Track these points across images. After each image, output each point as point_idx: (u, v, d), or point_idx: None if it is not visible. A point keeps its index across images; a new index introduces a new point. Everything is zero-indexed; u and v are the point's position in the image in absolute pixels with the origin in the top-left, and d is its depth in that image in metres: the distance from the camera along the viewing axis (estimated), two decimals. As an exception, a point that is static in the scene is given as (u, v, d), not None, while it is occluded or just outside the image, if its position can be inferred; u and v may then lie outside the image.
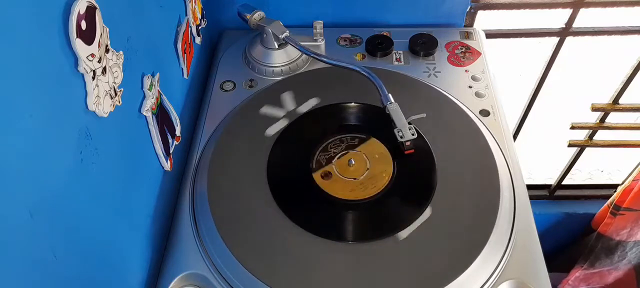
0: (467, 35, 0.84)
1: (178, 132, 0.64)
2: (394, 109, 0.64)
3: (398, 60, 0.81)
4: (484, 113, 0.72)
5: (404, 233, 0.56)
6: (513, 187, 0.63)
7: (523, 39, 0.94)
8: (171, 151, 0.63)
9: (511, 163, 0.66)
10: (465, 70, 0.78)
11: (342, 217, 0.60)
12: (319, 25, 0.78)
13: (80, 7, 0.38)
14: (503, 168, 0.64)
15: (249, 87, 0.77)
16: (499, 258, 0.56)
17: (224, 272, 0.55)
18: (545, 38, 0.93)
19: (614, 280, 1.13)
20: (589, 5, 0.87)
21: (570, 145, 1.12)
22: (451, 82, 0.76)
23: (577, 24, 0.90)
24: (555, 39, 0.93)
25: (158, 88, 0.58)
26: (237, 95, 0.76)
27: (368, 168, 0.63)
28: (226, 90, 0.77)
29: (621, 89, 1.00)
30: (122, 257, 0.51)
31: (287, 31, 0.75)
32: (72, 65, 0.39)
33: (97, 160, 0.44)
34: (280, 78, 0.78)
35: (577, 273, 1.19)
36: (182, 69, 0.70)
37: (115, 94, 0.46)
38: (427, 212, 0.58)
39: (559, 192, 1.25)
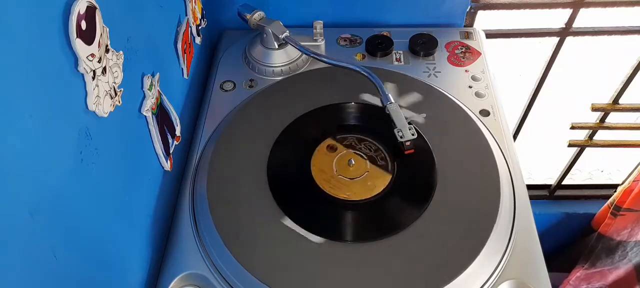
0: (467, 35, 0.84)
1: (178, 132, 0.64)
2: (394, 109, 0.64)
3: (398, 60, 0.81)
4: (484, 113, 0.72)
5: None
6: (513, 187, 0.63)
7: (523, 39, 0.94)
8: (171, 151, 0.63)
9: (511, 163, 0.66)
10: (465, 70, 0.78)
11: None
12: (319, 25, 0.78)
13: (80, 7, 0.38)
14: (503, 168, 0.64)
15: (249, 87, 0.77)
16: (499, 258, 0.56)
17: (224, 272, 0.55)
18: (545, 38, 0.93)
19: (614, 279, 1.13)
20: (589, 5, 0.87)
21: (570, 145, 1.12)
22: (451, 82, 0.76)
23: (577, 24, 0.90)
24: (555, 39, 0.93)
25: (158, 88, 0.58)
26: (237, 95, 0.76)
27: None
28: (226, 90, 0.77)
29: (621, 89, 1.00)
30: (122, 257, 0.51)
31: (287, 31, 0.75)
32: (72, 65, 0.39)
33: (97, 160, 0.44)
34: (280, 78, 0.78)
35: (578, 273, 1.19)
36: (182, 69, 0.70)
37: (115, 94, 0.46)
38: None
39: (559, 192, 1.25)
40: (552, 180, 1.24)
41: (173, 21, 0.67)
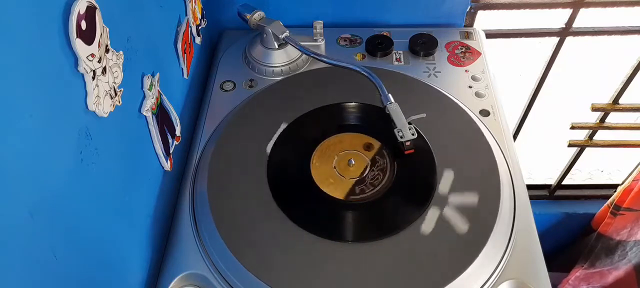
0: (467, 35, 0.84)
1: (178, 132, 0.64)
2: (394, 109, 0.64)
3: (398, 60, 0.81)
4: (484, 113, 0.72)
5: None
6: (513, 187, 0.63)
7: (523, 39, 0.94)
8: (171, 151, 0.63)
9: (511, 163, 0.66)
10: (465, 70, 0.78)
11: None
12: (319, 25, 0.78)
13: (80, 7, 0.38)
14: (503, 168, 0.64)
15: (249, 87, 0.77)
16: (499, 258, 0.56)
17: (224, 272, 0.55)
18: (545, 38, 0.93)
19: (614, 279, 1.13)
20: (589, 5, 0.87)
21: (570, 145, 1.12)
22: (451, 82, 0.76)
23: (577, 24, 0.90)
24: (555, 39, 0.93)
25: (158, 88, 0.58)
26: (237, 95, 0.76)
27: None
28: (226, 90, 0.77)
29: (621, 89, 1.00)
30: (122, 257, 0.51)
31: (287, 31, 0.75)
32: (72, 65, 0.39)
33: (97, 160, 0.44)
34: (280, 78, 0.78)
35: (577, 273, 1.19)
36: (182, 69, 0.70)
37: (115, 94, 0.46)
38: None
39: (559, 192, 1.25)
40: (552, 180, 1.24)
41: (173, 21, 0.67)
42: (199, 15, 0.76)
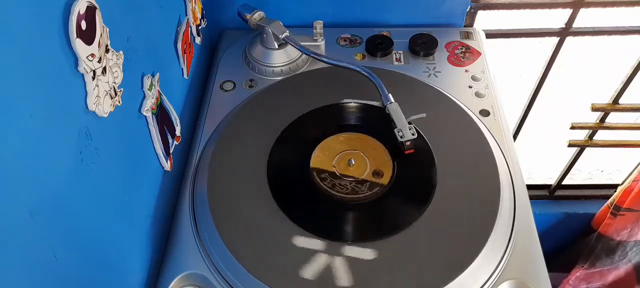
0: (467, 35, 0.84)
1: (178, 132, 0.64)
2: (394, 109, 0.64)
3: (398, 60, 0.81)
4: (484, 113, 0.72)
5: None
6: (513, 187, 0.63)
7: (523, 39, 0.94)
8: (171, 151, 0.63)
9: (511, 163, 0.66)
10: (465, 70, 0.78)
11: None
12: (319, 25, 0.78)
13: (80, 7, 0.38)
14: (503, 168, 0.64)
15: (249, 87, 0.77)
16: (499, 258, 0.56)
17: (224, 272, 0.55)
18: (545, 38, 0.93)
19: (614, 279, 1.13)
20: (589, 5, 0.87)
21: (570, 145, 1.12)
22: (451, 82, 0.76)
23: (577, 24, 0.90)
24: (555, 39, 0.93)
25: (158, 88, 0.58)
26: (237, 95, 0.76)
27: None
28: (226, 90, 0.77)
29: (621, 89, 1.00)
30: (122, 257, 0.51)
31: (287, 31, 0.75)
32: (72, 65, 0.39)
33: (97, 160, 0.44)
34: (280, 78, 0.78)
35: (577, 273, 1.19)
36: (182, 69, 0.70)
37: (115, 94, 0.46)
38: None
39: (559, 192, 1.25)
40: (552, 180, 1.24)
41: (173, 21, 0.67)
42: (199, 15, 0.76)
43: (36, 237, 0.35)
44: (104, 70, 0.43)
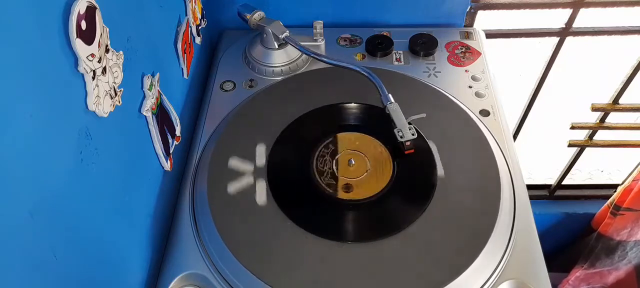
0: (467, 35, 0.84)
1: (178, 132, 0.64)
2: (394, 109, 0.64)
3: (398, 60, 0.81)
4: (484, 113, 0.72)
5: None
6: (513, 187, 0.63)
7: (523, 39, 0.94)
8: (171, 151, 0.63)
9: (511, 163, 0.66)
10: (465, 70, 0.78)
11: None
12: (319, 25, 0.78)
13: (80, 7, 0.38)
14: (503, 168, 0.64)
15: (249, 87, 0.77)
16: (499, 258, 0.56)
17: (224, 272, 0.55)
18: (545, 38, 0.93)
19: (614, 279, 1.13)
20: (589, 5, 0.87)
21: (570, 145, 1.12)
22: (451, 82, 0.76)
23: (577, 24, 0.90)
24: (555, 39, 0.93)
25: (158, 88, 0.58)
26: (237, 95, 0.76)
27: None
28: (226, 90, 0.77)
29: (621, 89, 1.00)
30: (122, 257, 0.51)
31: (287, 31, 0.75)
32: (72, 65, 0.39)
33: (97, 160, 0.44)
34: (280, 78, 0.78)
35: (577, 273, 1.19)
36: (182, 69, 0.70)
37: (115, 94, 0.46)
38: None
39: (559, 192, 1.24)
40: (552, 180, 1.24)
41: (173, 21, 0.67)
42: (199, 15, 0.76)
43: (36, 237, 0.35)
44: (104, 70, 0.43)
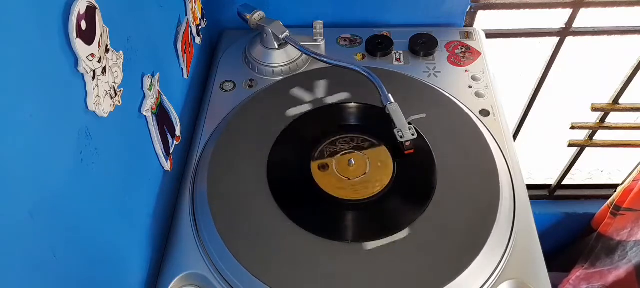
0: (467, 35, 0.84)
1: (178, 132, 0.64)
2: (394, 109, 0.64)
3: (398, 60, 0.81)
4: (484, 113, 0.72)
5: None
6: (513, 187, 0.63)
7: (523, 39, 0.94)
8: (171, 151, 0.63)
9: (511, 163, 0.66)
10: (465, 70, 0.78)
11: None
12: (319, 25, 0.78)
13: (80, 7, 0.38)
14: (503, 168, 0.64)
15: (249, 87, 0.77)
16: (499, 258, 0.56)
17: (224, 272, 0.55)
18: (545, 38, 0.93)
19: (614, 279, 1.13)
20: (589, 5, 0.87)
21: (570, 145, 1.12)
22: (451, 82, 0.76)
23: (577, 24, 0.90)
24: (555, 39, 0.93)
25: (158, 88, 0.58)
26: (237, 95, 0.76)
27: (368, 169, 0.63)
28: (226, 90, 0.77)
29: (621, 89, 1.00)
30: (122, 257, 0.51)
31: (287, 31, 0.75)
32: (72, 65, 0.39)
33: (97, 160, 0.44)
34: (280, 78, 0.78)
35: (577, 273, 1.19)
36: (182, 69, 0.70)
37: (115, 94, 0.46)
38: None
39: (559, 192, 1.24)
40: (552, 180, 1.24)
41: (173, 21, 0.67)
42: (199, 15, 0.76)
43: (36, 237, 0.35)
44: (104, 70, 0.43)
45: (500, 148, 0.67)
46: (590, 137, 1.11)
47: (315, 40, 0.77)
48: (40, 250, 0.36)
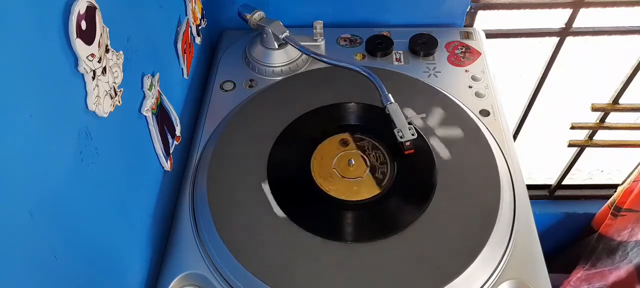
0: (467, 35, 0.84)
1: (178, 132, 0.64)
2: (394, 109, 0.64)
3: (398, 60, 0.81)
4: (484, 113, 0.72)
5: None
6: (513, 187, 0.63)
7: (523, 39, 0.94)
8: (171, 151, 0.63)
9: (511, 163, 0.66)
10: (465, 70, 0.78)
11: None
12: (319, 25, 0.78)
13: (80, 7, 0.38)
14: (503, 168, 0.64)
15: (249, 87, 0.77)
16: (499, 258, 0.56)
17: (224, 272, 0.55)
18: (545, 38, 0.93)
19: (615, 279, 1.13)
20: (589, 5, 0.87)
21: (570, 145, 1.12)
22: (451, 82, 0.76)
23: (577, 24, 0.90)
24: (555, 39, 0.93)
25: (158, 88, 0.58)
26: (237, 95, 0.76)
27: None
28: (226, 90, 0.77)
29: (621, 89, 1.00)
30: (122, 257, 0.51)
31: (287, 31, 0.75)
32: (72, 65, 0.39)
33: (97, 160, 0.44)
34: (280, 78, 0.78)
35: (578, 274, 1.19)
36: (182, 69, 0.70)
37: (115, 94, 0.46)
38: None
39: (559, 192, 1.24)
40: (552, 180, 1.24)
41: (173, 21, 0.67)
42: (199, 15, 0.76)
43: (36, 237, 0.35)
44: (104, 70, 0.43)
45: (500, 148, 0.67)
46: (590, 137, 1.11)
47: (315, 40, 0.77)
48: (41, 250, 0.36)
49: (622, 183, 1.13)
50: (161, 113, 0.59)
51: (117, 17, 0.47)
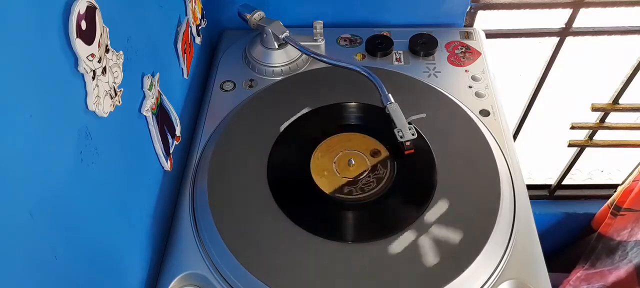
0: (467, 35, 0.84)
1: (178, 132, 0.64)
2: (394, 109, 0.64)
3: (398, 60, 0.81)
4: (484, 113, 0.72)
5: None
6: (513, 187, 0.63)
7: (523, 39, 0.94)
8: (171, 151, 0.63)
9: (511, 163, 0.66)
10: (465, 70, 0.78)
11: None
12: (319, 25, 0.78)
13: (80, 7, 0.38)
14: (503, 168, 0.64)
15: (249, 87, 0.77)
16: (499, 258, 0.56)
17: (224, 272, 0.55)
18: (545, 38, 0.93)
19: (615, 279, 1.13)
20: (589, 5, 0.87)
21: (570, 145, 1.12)
22: (451, 82, 0.76)
23: (577, 24, 0.90)
24: (555, 39, 0.93)
25: (158, 88, 0.58)
26: (237, 95, 0.76)
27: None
28: (226, 90, 0.77)
29: (621, 89, 1.00)
30: (122, 257, 0.51)
31: (287, 31, 0.75)
32: (72, 65, 0.39)
33: (97, 160, 0.44)
34: (280, 78, 0.78)
35: (578, 274, 1.19)
36: (182, 69, 0.70)
37: (115, 94, 0.46)
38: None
39: (559, 192, 1.24)
40: (552, 180, 1.24)
41: (173, 21, 0.67)
42: (199, 15, 0.76)
43: (36, 237, 0.35)
44: (104, 70, 0.43)
45: (500, 148, 0.67)
46: (590, 137, 1.11)
47: (315, 40, 0.77)
48: (41, 250, 0.36)
49: (622, 183, 1.13)
50: (161, 113, 0.59)
51: (117, 17, 0.47)
